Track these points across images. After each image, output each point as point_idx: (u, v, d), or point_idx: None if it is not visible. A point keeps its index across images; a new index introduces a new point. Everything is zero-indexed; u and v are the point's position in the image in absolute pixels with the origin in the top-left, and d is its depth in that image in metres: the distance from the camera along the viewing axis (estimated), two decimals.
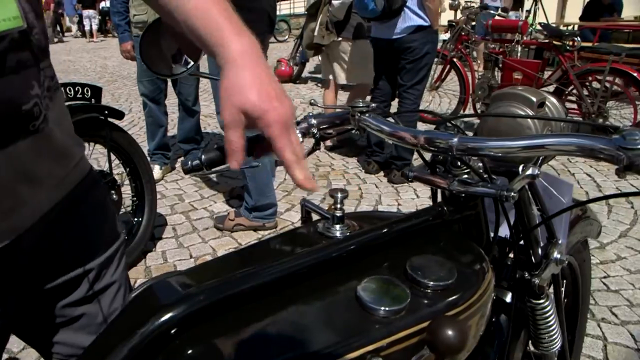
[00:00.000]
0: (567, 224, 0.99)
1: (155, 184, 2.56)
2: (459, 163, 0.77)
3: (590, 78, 4.05)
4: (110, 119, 2.27)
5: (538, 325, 0.92)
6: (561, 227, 0.97)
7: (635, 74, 3.69)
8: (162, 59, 0.90)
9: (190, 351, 0.51)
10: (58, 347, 0.77)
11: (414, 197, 3.23)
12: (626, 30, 7.07)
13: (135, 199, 2.50)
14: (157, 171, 3.36)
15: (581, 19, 8.61)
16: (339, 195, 0.72)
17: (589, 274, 1.42)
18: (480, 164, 0.76)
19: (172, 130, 4.04)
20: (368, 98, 3.74)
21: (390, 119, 0.82)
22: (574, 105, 4.18)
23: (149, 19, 3.02)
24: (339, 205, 0.72)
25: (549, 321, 0.91)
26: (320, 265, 0.61)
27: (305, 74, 7.27)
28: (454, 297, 0.60)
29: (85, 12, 14.66)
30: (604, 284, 2.28)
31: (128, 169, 2.46)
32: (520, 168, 0.74)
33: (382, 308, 0.55)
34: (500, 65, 4.58)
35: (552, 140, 0.62)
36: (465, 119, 4.22)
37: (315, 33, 3.75)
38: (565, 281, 1.37)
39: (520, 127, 0.86)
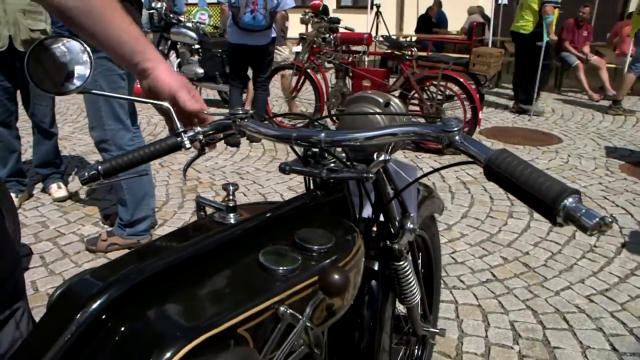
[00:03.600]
0: (416, 200, 1.22)
1: (17, 212, 2.42)
2: (326, 155, 0.94)
3: (428, 83, 4.59)
4: None
5: (401, 284, 1.13)
6: (411, 203, 1.19)
7: (461, 79, 4.28)
8: (49, 77, 0.94)
9: (123, 329, 0.59)
10: None
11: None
12: (452, 42, 8.07)
13: None
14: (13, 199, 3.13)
15: (416, 31, 9.60)
16: (231, 188, 0.85)
17: (439, 245, 1.69)
18: (344, 155, 0.94)
19: (26, 154, 3.78)
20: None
21: (267, 122, 0.97)
22: (417, 108, 4.70)
23: None
24: (231, 197, 0.85)
25: (409, 279, 1.13)
26: (222, 246, 0.74)
27: None
28: (334, 257, 0.76)
29: None
30: (452, 258, 2.66)
31: None
32: (375, 155, 0.93)
33: (281, 268, 0.69)
34: (351, 74, 4.99)
35: (394, 130, 0.81)
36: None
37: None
38: (420, 254, 1.63)
39: (371, 123, 1.06)
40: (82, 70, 0.94)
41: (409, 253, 1.23)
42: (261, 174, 3.97)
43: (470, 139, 0.77)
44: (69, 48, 0.94)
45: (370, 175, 0.86)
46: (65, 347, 0.56)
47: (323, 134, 0.85)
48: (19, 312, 0.84)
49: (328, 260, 0.75)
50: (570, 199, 0.63)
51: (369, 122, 1.07)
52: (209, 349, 0.57)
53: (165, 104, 1.02)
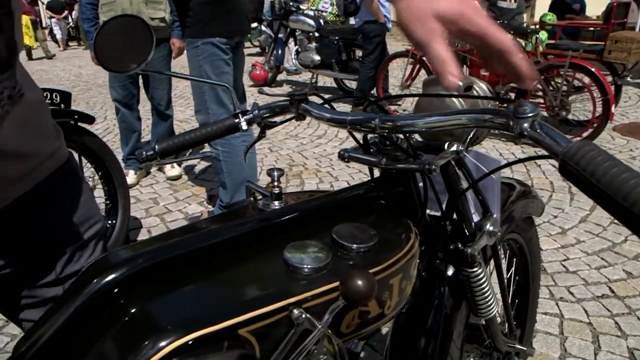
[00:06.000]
0: (499, 199, 1.06)
1: (128, 187, 2.60)
2: (388, 143, 0.84)
3: (555, 73, 4.18)
4: (80, 124, 2.30)
5: (474, 292, 0.99)
6: (494, 202, 1.04)
7: (592, 69, 3.83)
8: (114, 56, 0.96)
9: (133, 309, 0.57)
10: (29, 324, 0.81)
11: None
12: (591, 29, 7.28)
13: (108, 202, 2.54)
14: (131, 176, 3.39)
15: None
16: (276, 174, 0.79)
17: (538, 251, 1.50)
18: (406, 143, 0.84)
19: (147, 136, 4.08)
20: None
21: (326, 105, 0.89)
22: (540, 100, 4.31)
23: None
24: (276, 183, 0.79)
25: (483, 288, 0.99)
26: (254, 233, 0.68)
27: (281, 77, 7.34)
28: (373, 258, 0.67)
29: (55, 20, 14.28)
30: (564, 266, 2.38)
31: (100, 173, 2.49)
32: (446, 145, 0.81)
33: (305, 266, 0.62)
34: (469, 62, 4.70)
35: (454, 116, 0.69)
36: None
37: None
38: (515, 259, 1.46)
39: (448, 108, 0.94)
40: (145, 50, 0.94)
41: (492, 259, 1.09)
42: None
43: (548, 127, 0.63)
44: (134, 28, 0.94)
45: (433, 167, 0.75)
46: (77, 312, 0.56)
47: (377, 119, 0.76)
48: None
49: (364, 262, 0.66)
50: None
51: (445, 107, 0.95)
52: (200, 349, 0.51)
53: (225, 84, 0.99)
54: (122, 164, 3.24)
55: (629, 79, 6.04)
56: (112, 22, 0.93)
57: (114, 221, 2.50)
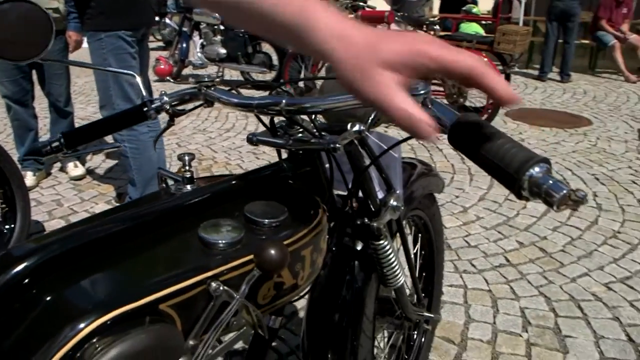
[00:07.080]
0: (401, 176, 1.14)
1: (27, 189, 2.45)
2: (294, 125, 0.88)
3: None
4: None
5: (382, 264, 1.07)
6: (397, 179, 1.12)
7: (485, 59, 4.12)
8: (8, 44, 0.91)
9: (48, 297, 0.56)
10: None
11: None
12: (484, 22, 7.81)
13: (4, 206, 2.38)
14: (30, 177, 3.18)
15: (440, 11, 9.40)
16: (187, 158, 0.80)
17: (440, 226, 1.62)
18: (312, 124, 0.88)
19: (45, 135, 3.84)
20: None
21: (233, 91, 0.92)
22: (440, 88, 4.57)
23: None
24: (187, 167, 0.80)
25: (390, 259, 1.06)
26: (168, 216, 0.69)
27: (186, 71, 7.16)
28: (285, 232, 0.71)
29: None
30: (466, 241, 2.57)
31: None
32: (349, 126, 0.86)
33: (221, 242, 0.64)
34: None
35: (345, 96, 0.74)
36: None
37: None
38: (420, 235, 1.56)
39: None
40: (43, 37, 0.90)
41: (398, 233, 1.17)
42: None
43: (438, 103, 0.70)
44: (30, 14, 0.90)
45: (337, 146, 0.80)
46: None
47: (284, 101, 0.80)
48: None
49: (276, 236, 0.69)
50: (536, 169, 0.55)
51: None
52: (122, 325, 0.52)
53: (131, 72, 0.98)
54: (19, 166, 3.04)
55: (516, 68, 6.55)
56: (2, 7, 0.89)
57: (13, 225, 2.35)
